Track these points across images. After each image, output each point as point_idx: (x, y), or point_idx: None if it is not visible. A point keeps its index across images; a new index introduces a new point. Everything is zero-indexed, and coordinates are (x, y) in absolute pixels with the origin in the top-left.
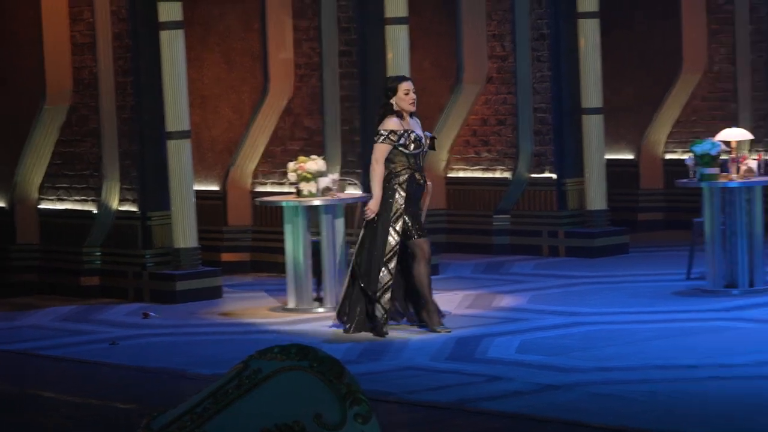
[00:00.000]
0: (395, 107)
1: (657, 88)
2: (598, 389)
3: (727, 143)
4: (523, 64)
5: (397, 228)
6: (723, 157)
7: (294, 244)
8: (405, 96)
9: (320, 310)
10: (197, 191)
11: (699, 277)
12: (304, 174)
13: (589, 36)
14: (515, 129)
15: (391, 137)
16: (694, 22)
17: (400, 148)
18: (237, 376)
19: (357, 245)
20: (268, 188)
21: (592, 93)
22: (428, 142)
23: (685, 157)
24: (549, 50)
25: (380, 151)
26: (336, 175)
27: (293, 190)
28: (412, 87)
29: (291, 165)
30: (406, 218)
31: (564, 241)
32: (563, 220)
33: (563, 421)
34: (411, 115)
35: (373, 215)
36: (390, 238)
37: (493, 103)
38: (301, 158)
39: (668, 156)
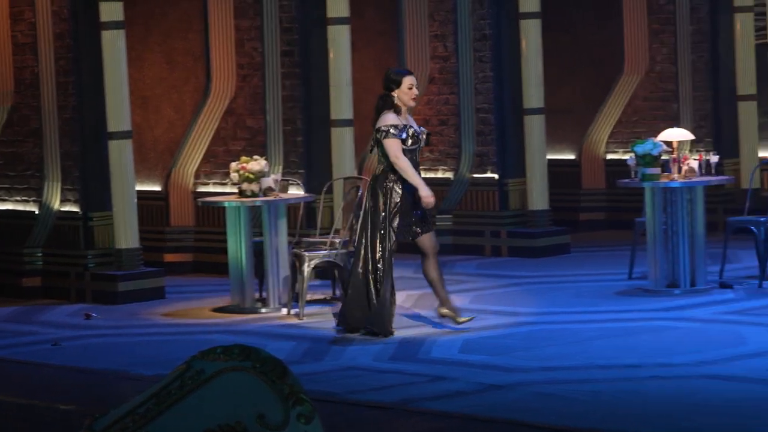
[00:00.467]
0: (396, 100)
1: (598, 88)
2: (540, 389)
3: (669, 143)
4: (465, 64)
5: (395, 226)
6: (664, 157)
7: (236, 245)
8: (408, 90)
9: (263, 310)
10: (139, 192)
11: (640, 276)
12: (247, 174)
13: (531, 36)
14: (457, 129)
15: (393, 132)
16: (635, 23)
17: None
18: (180, 376)
19: (358, 247)
20: (211, 188)
21: (533, 93)
22: (424, 137)
23: (626, 157)
24: (491, 51)
25: (395, 145)
26: (278, 176)
27: (235, 190)
28: (416, 82)
29: (233, 165)
30: (406, 216)
31: (506, 241)
32: (505, 220)
33: (506, 420)
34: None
35: (433, 202)
36: (388, 239)
37: (435, 103)
38: (244, 158)
39: (610, 156)
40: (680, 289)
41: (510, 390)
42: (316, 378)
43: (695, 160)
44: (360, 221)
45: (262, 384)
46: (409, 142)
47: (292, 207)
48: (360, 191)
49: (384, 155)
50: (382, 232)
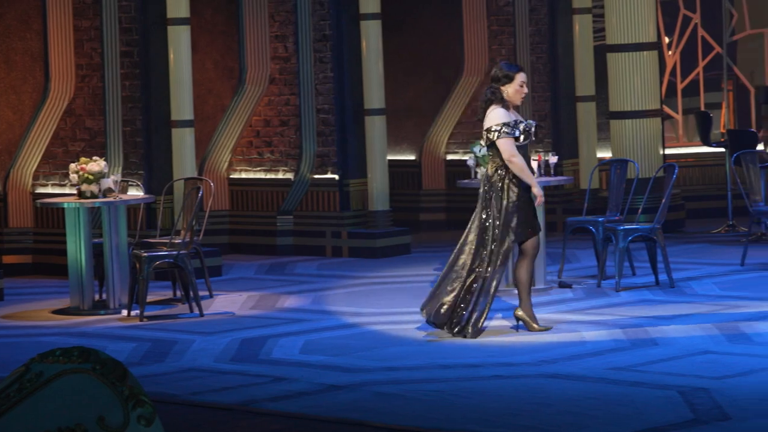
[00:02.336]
0: (504, 96)
1: (439, 89)
2: (382, 389)
3: None
4: (305, 65)
5: (512, 226)
6: None
7: (76, 246)
8: (519, 88)
9: (103, 312)
10: None
11: None
12: (86, 175)
13: (372, 38)
14: (298, 130)
15: (506, 130)
16: (474, 24)
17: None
18: (18, 379)
19: (469, 246)
20: (50, 189)
21: (374, 94)
22: (533, 130)
23: (466, 157)
24: (332, 51)
25: (509, 144)
26: (118, 176)
27: (75, 191)
28: (527, 80)
29: (72, 166)
30: (524, 215)
31: (347, 241)
32: (346, 220)
33: (348, 421)
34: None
35: (542, 200)
36: (507, 241)
37: (276, 104)
38: (83, 159)
39: (450, 157)
40: None
41: (351, 390)
42: (156, 380)
43: (534, 160)
44: (475, 221)
45: (102, 386)
46: (522, 138)
47: (132, 208)
48: (201, 192)
49: (497, 153)
50: (497, 232)
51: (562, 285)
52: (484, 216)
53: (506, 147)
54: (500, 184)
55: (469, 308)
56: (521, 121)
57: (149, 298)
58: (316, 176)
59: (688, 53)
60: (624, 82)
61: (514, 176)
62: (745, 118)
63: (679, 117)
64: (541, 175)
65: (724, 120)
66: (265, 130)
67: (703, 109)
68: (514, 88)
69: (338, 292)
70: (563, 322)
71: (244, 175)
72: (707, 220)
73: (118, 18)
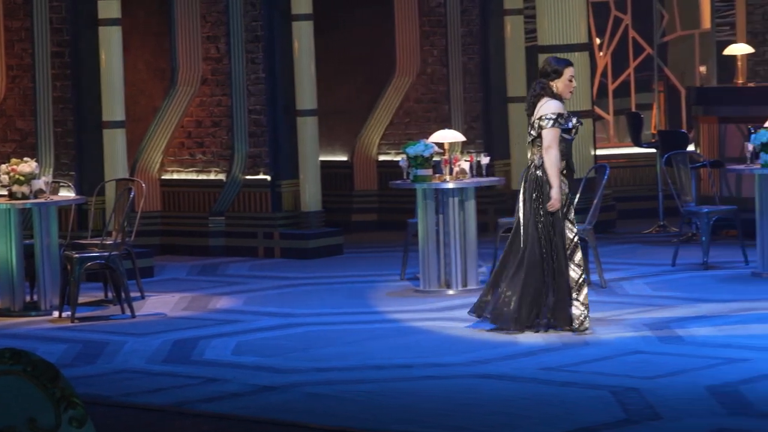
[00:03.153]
0: (554, 90)
1: (371, 89)
2: (314, 389)
3: (440, 145)
4: (237, 65)
5: (571, 218)
6: (436, 158)
7: (6, 247)
8: (569, 82)
9: (34, 313)
10: None
11: (413, 277)
12: (17, 176)
13: (303, 38)
14: (230, 131)
15: (560, 121)
16: (406, 25)
17: (563, 134)
18: None
19: (525, 239)
20: None
21: (306, 95)
22: (579, 126)
23: (398, 158)
24: (264, 52)
25: (554, 135)
26: (49, 178)
27: (5, 192)
28: (574, 75)
29: (3, 167)
30: (572, 207)
31: (279, 242)
32: (278, 221)
33: (281, 422)
34: None
35: (557, 209)
36: (568, 232)
37: (207, 104)
38: (14, 160)
39: (382, 157)
40: (452, 290)
41: (284, 391)
42: (88, 381)
43: (466, 161)
44: (522, 219)
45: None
46: (573, 132)
47: (63, 209)
48: (132, 193)
49: (541, 145)
50: (561, 230)
51: None
52: (536, 207)
53: (550, 136)
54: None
55: (551, 302)
56: (573, 117)
57: (80, 300)
58: (248, 177)
59: (619, 54)
60: None
61: (563, 168)
62: (676, 119)
63: (610, 118)
64: (473, 176)
65: (654, 121)
66: (196, 131)
67: (634, 110)
68: (564, 83)
69: (270, 293)
70: None
71: (175, 176)
72: (638, 220)
73: (49, 18)
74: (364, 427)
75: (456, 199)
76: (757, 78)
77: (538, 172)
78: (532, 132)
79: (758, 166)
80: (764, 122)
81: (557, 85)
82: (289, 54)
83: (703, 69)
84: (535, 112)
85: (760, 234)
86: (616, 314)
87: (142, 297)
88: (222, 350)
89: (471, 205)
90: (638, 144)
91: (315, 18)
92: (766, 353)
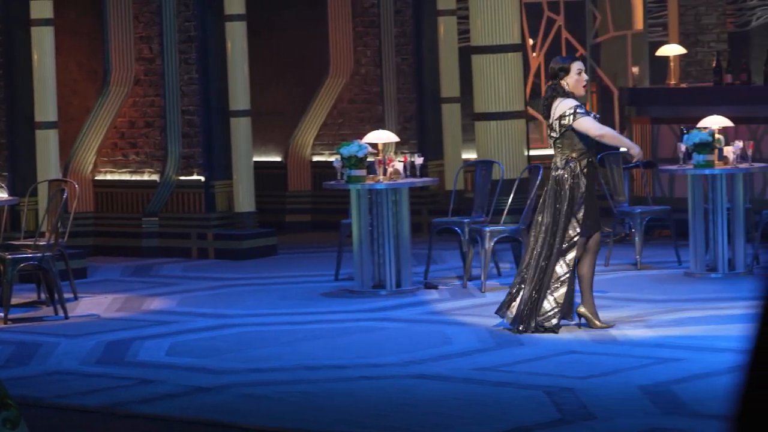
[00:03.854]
0: (567, 89)
1: (304, 90)
2: (249, 390)
3: (374, 145)
4: (170, 66)
5: (579, 217)
6: (370, 159)
7: None
8: (578, 76)
9: None
10: None
11: (347, 278)
12: None
13: (237, 39)
14: (163, 131)
15: (580, 110)
16: (340, 25)
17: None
18: None
19: (537, 232)
20: None
21: (239, 95)
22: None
23: (332, 159)
24: (197, 53)
25: (591, 122)
26: None
27: None
28: (584, 67)
29: None
30: (592, 208)
31: (213, 243)
32: (212, 222)
33: (215, 422)
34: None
35: (640, 154)
36: (570, 230)
37: (141, 105)
38: None
39: (316, 158)
40: (386, 290)
41: (218, 392)
42: (22, 382)
43: (400, 161)
44: (542, 217)
45: None
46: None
47: None
48: (65, 194)
49: (567, 145)
50: (565, 223)
51: (428, 286)
52: (556, 209)
53: (590, 124)
54: (571, 176)
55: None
56: (591, 112)
57: (13, 301)
58: (182, 178)
59: (552, 55)
60: (488, 83)
61: (584, 167)
62: (609, 119)
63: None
64: (407, 176)
65: None
66: (130, 131)
67: None
68: (573, 78)
69: (204, 294)
70: (429, 322)
71: (109, 177)
72: None
73: None
74: (299, 428)
75: (390, 200)
76: (690, 79)
77: (560, 172)
78: (553, 134)
79: (691, 167)
80: (696, 123)
81: (568, 81)
82: (223, 54)
83: (635, 70)
84: (551, 115)
85: (692, 234)
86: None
87: (76, 298)
88: (156, 351)
89: (404, 206)
90: None
91: (248, 18)
92: (698, 353)
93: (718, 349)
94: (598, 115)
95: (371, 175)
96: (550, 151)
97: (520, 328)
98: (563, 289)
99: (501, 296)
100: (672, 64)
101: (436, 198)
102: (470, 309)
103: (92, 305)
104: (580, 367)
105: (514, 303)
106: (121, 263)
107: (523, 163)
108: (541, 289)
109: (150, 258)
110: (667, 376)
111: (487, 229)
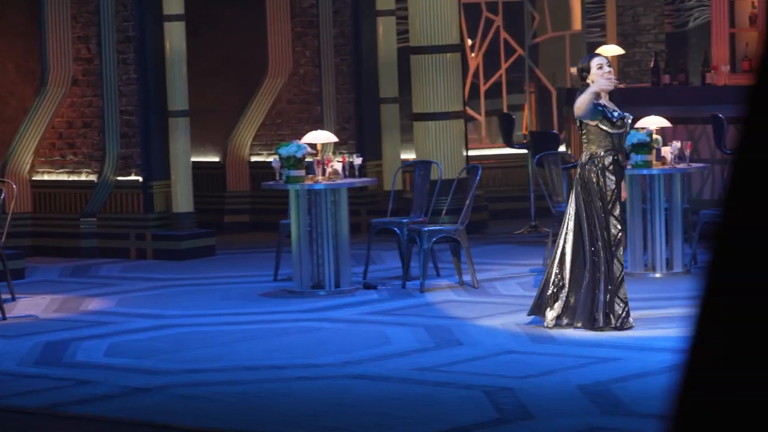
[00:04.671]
0: (595, 87)
1: (243, 90)
2: (188, 391)
3: (313, 145)
4: (109, 66)
5: (617, 215)
6: (308, 159)
7: None
8: (599, 71)
9: None
10: None
11: (286, 278)
12: None
13: (175, 39)
14: (101, 132)
15: (594, 100)
16: (278, 26)
17: (602, 127)
18: None
19: (567, 234)
20: None
21: (178, 96)
22: (629, 122)
23: (271, 159)
24: (135, 53)
25: (584, 97)
26: None
27: None
28: (606, 61)
29: None
30: (619, 203)
31: (151, 243)
32: (150, 222)
33: (153, 423)
34: (609, 98)
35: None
36: (613, 229)
37: (78, 105)
38: None
39: (254, 158)
40: (325, 290)
41: (156, 393)
42: None
43: (339, 162)
44: (573, 214)
45: None
46: (617, 124)
47: None
48: (3, 194)
49: (592, 141)
50: (601, 222)
51: (367, 286)
52: (584, 203)
53: (580, 98)
54: (596, 172)
55: (603, 301)
56: (614, 110)
57: None
58: (120, 178)
59: (490, 55)
60: (427, 84)
61: (610, 163)
62: (547, 119)
63: (482, 119)
64: (345, 176)
65: (526, 122)
66: (68, 131)
67: (505, 110)
68: (596, 74)
69: (143, 294)
70: (368, 322)
71: (47, 177)
72: (510, 221)
73: None
74: (238, 428)
75: (328, 200)
76: (628, 79)
77: (587, 166)
78: (580, 131)
79: (629, 167)
80: (634, 123)
81: (592, 79)
82: (161, 55)
83: (573, 70)
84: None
85: (630, 234)
86: (488, 315)
87: (13, 299)
88: (94, 352)
89: (343, 206)
90: (510, 145)
91: (187, 18)
92: (636, 352)
93: (656, 348)
94: (624, 115)
95: (310, 176)
96: (488, 151)
97: (578, 325)
98: (624, 286)
99: (440, 296)
100: None
101: (375, 198)
102: (409, 309)
103: (30, 306)
104: (518, 366)
105: (557, 302)
106: (59, 264)
107: (461, 163)
108: (606, 290)
109: (88, 258)
110: (605, 375)
111: (426, 229)
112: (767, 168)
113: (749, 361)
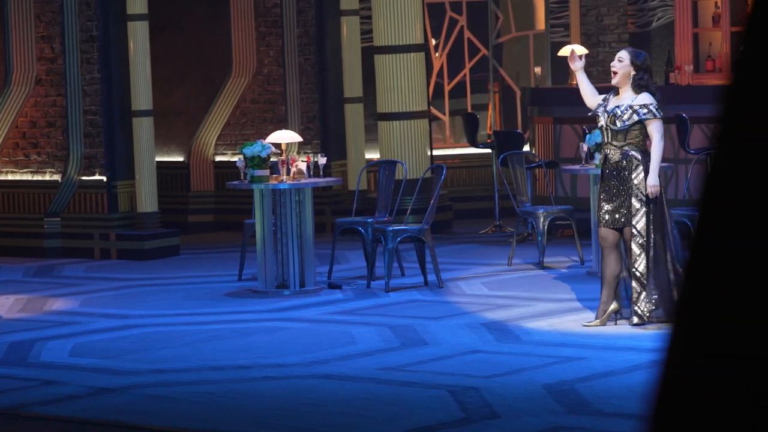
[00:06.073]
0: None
1: (207, 90)
2: (153, 391)
3: (277, 145)
4: (72, 66)
5: (667, 209)
6: (273, 159)
7: None
8: (611, 68)
9: None
10: None
11: (251, 278)
12: None
13: (139, 38)
14: (65, 131)
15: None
16: (242, 25)
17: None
18: None
19: (648, 230)
20: None
21: (142, 95)
22: (601, 120)
23: (235, 159)
24: (99, 52)
25: (661, 128)
26: None
27: None
28: (616, 59)
29: None
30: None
31: (115, 243)
32: (114, 222)
33: (119, 423)
34: (637, 91)
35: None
36: (665, 222)
37: (42, 105)
38: None
39: (219, 158)
40: (290, 290)
41: (122, 393)
42: None
43: (303, 161)
44: (613, 202)
45: None
46: (601, 120)
47: None
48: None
49: (633, 135)
50: (657, 214)
51: (332, 286)
52: (626, 192)
53: (660, 130)
54: (628, 168)
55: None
56: (617, 107)
57: None
58: (84, 178)
59: (454, 55)
60: (391, 83)
61: (642, 161)
62: (511, 119)
63: (446, 118)
64: (310, 176)
65: (490, 121)
66: (31, 131)
67: (469, 110)
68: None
69: (107, 295)
70: (334, 322)
71: (10, 177)
72: (475, 220)
73: None
74: (203, 429)
75: (293, 200)
76: (591, 79)
77: (618, 160)
78: (618, 122)
79: (593, 167)
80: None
81: None
82: (125, 54)
83: (537, 70)
84: (608, 104)
85: (594, 233)
86: (453, 314)
87: None
88: (59, 352)
89: (308, 206)
90: (474, 144)
91: (151, 17)
92: (601, 352)
93: (621, 348)
94: (597, 114)
95: (274, 175)
96: (453, 151)
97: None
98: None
99: (405, 296)
100: None
101: (340, 198)
102: (374, 309)
103: None
104: (484, 366)
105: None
106: (23, 264)
107: (426, 162)
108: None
109: (52, 258)
110: (570, 374)
111: (391, 228)
112: (743, 167)
113: (728, 360)
